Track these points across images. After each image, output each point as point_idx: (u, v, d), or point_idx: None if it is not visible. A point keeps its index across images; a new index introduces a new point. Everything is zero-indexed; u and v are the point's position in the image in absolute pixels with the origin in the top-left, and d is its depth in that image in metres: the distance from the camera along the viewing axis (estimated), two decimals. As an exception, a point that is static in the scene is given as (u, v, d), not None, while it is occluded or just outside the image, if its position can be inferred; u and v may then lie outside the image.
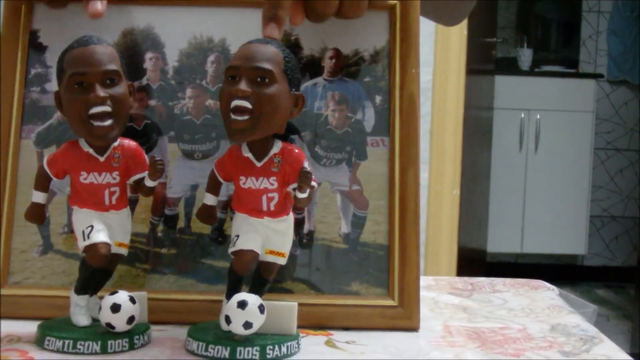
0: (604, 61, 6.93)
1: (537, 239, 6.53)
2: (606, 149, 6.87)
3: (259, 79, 1.01)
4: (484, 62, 5.33)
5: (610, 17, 6.89)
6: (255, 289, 1.05)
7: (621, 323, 5.64)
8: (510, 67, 6.71)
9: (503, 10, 6.83)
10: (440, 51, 3.58)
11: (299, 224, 1.16)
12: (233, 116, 1.01)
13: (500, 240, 6.47)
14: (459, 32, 3.55)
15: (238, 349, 0.99)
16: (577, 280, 6.81)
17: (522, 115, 6.43)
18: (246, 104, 1.00)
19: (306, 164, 1.03)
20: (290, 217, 1.06)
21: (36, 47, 1.21)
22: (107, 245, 1.04)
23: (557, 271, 6.75)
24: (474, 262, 5.11)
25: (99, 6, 1.09)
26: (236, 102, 1.00)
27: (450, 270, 3.50)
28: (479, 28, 4.58)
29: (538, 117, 6.42)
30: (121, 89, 1.05)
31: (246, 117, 1.00)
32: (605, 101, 6.87)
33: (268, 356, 1.00)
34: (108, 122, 1.03)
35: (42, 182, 1.08)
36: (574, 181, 6.48)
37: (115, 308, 1.01)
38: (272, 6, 1.07)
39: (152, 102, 1.20)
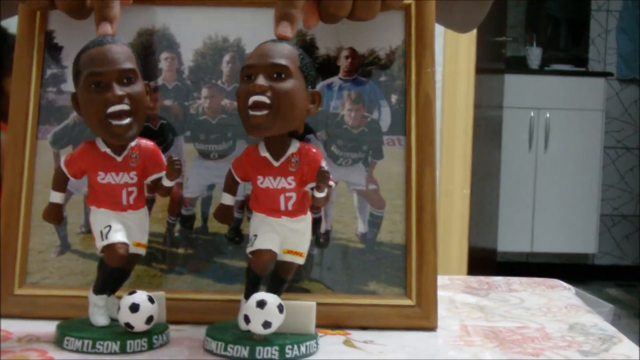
0: (613, 59, 6.92)
1: (547, 238, 6.52)
2: (616, 147, 6.86)
3: (275, 75, 1.01)
4: (494, 61, 5.33)
5: (620, 16, 6.88)
6: (274, 289, 1.05)
7: (632, 322, 5.63)
8: (519, 66, 6.70)
9: (512, 9, 6.82)
10: (450, 50, 3.57)
11: (315, 223, 1.16)
12: (251, 112, 1.01)
13: (510, 239, 6.46)
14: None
15: (257, 348, 0.99)
16: (588, 279, 6.81)
17: (532, 114, 6.42)
18: (264, 99, 1.00)
19: (324, 164, 1.03)
20: (308, 217, 1.06)
21: (52, 47, 1.21)
22: (125, 245, 1.04)
23: (568, 270, 6.74)
24: (485, 261, 5.11)
25: (109, 29, 1.08)
26: (254, 98, 1.00)
27: (461, 270, 3.49)
28: (489, 27, 4.58)
29: (548, 115, 6.41)
30: (138, 87, 1.05)
31: (265, 111, 1.00)
32: (615, 99, 6.86)
33: (287, 356, 1.00)
34: (126, 121, 1.03)
35: (60, 183, 1.08)
36: (584, 180, 6.47)
37: (134, 308, 1.01)
38: (285, 5, 1.07)
39: (168, 102, 1.20)
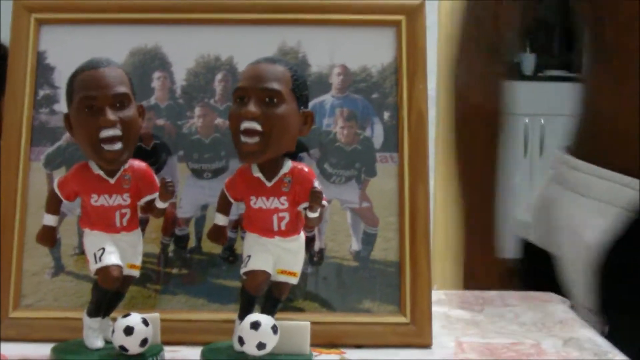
0: (608, 65, 6.91)
1: (543, 244, 6.51)
2: (611, 152, 6.85)
3: (267, 100, 1.02)
4: (488, 68, 5.32)
5: (613, 21, 6.88)
6: (267, 309, 1.05)
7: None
8: (513, 72, 6.70)
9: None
10: (444, 59, 3.57)
11: (309, 242, 1.15)
12: (243, 138, 1.01)
13: (506, 247, 6.45)
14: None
15: (252, 369, 0.99)
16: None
17: (527, 121, 6.42)
18: (256, 126, 1.00)
19: (316, 183, 1.03)
20: (302, 236, 1.06)
21: (44, 68, 1.21)
22: (119, 267, 1.04)
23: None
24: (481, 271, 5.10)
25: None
26: (246, 125, 1.01)
27: (457, 280, 3.49)
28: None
29: (542, 122, 6.41)
30: (131, 111, 1.05)
31: (256, 139, 1.01)
32: (609, 105, 6.85)
33: (282, 376, 1.00)
34: (118, 146, 1.03)
35: (53, 205, 1.08)
36: (579, 185, 6.45)
37: (129, 331, 1.01)
38: None
39: (161, 122, 1.20)
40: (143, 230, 1.14)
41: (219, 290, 1.17)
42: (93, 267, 1.04)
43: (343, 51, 1.21)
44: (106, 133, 1.02)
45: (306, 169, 1.05)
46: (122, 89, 1.04)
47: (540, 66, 6.82)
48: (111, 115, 1.02)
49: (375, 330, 1.14)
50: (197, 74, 1.21)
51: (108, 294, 1.05)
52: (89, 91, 1.03)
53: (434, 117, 3.45)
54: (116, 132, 1.03)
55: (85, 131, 1.03)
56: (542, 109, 6.51)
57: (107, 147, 1.03)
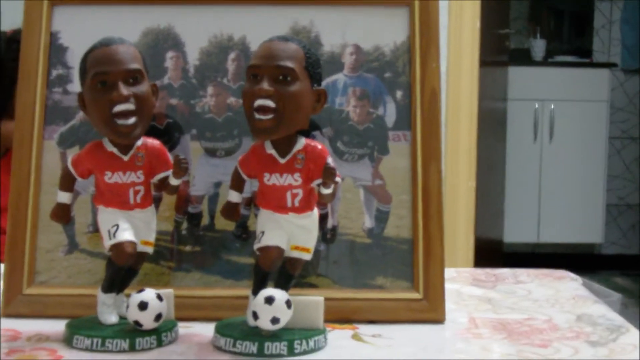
0: (618, 50, 6.90)
1: (553, 228, 6.51)
2: (621, 137, 6.84)
3: (281, 77, 1.02)
4: (498, 54, 5.32)
5: (624, 6, 6.86)
6: (281, 285, 1.05)
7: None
8: (523, 58, 6.68)
9: (515, 1, 6.81)
10: (454, 44, 3.57)
11: (322, 219, 1.16)
12: (257, 115, 1.01)
13: (516, 231, 6.45)
14: (472, 25, 3.55)
15: (266, 344, 1.00)
16: (594, 269, 6.79)
17: (536, 106, 6.41)
18: (269, 103, 1.01)
19: (330, 160, 1.04)
20: (315, 213, 1.07)
21: (57, 48, 1.22)
22: (133, 244, 1.04)
23: (574, 260, 6.72)
24: (491, 253, 5.11)
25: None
26: (259, 102, 1.01)
27: (468, 262, 3.49)
28: (492, 20, 4.58)
29: (552, 107, 6.40)
30: (144, 87, 1.05)
31: (270, 116, 1.01)
32: (620, 90, 6.84)
33: (296, 351, 1.00)
34: (132, 120, 1.04)
35: (67, 183, 1.09)
36: (590, 170, 6.45)
37: (143, 306, 1.01)
38: None
39: (174, 101, 1.20)
40: (157, 208, 1.14)
41: (232, 267, 1.17)
42: (107, 243, 1.05)
43: (355, 30, 1.21)
44: (120, 107, 1.02)
45: (319, 146, 1.05)
46: (135, 65, 1.04)
47: (550, 52, 6.81)
48: (124, 90, 1.03)
49: (389, 306, 1.15)
50: (210, 54, 1.21)
51: (122, 270, 1.06)
52: (102, 67, 1.03)
53: (444, 102, 3.46)
54: (129, 106, 1.03)
55: (98, 107, 1.03)
56: (552, 94, 6.51)
57: (120, 121, 1.03)
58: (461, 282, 1.35)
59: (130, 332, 1.03)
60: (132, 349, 1.02)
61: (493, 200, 5.26)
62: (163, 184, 1.09)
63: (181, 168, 1.06)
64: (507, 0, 6.02)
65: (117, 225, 1.05)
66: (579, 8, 7.04)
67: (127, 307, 1.02)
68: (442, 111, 3.52)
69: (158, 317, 1.02)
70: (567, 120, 6.46)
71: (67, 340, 1.04)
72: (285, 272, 1.06)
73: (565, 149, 6.51)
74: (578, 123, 6.47)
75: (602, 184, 6.58)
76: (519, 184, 6.46)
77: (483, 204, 4.21)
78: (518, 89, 6.40)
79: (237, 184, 1.08)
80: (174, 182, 1.08)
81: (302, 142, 1.05)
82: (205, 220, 1.19)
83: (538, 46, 6.80)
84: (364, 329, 1.11)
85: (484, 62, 3.85)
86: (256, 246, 1.04)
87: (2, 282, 1.18)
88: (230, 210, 1.09)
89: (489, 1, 3.73)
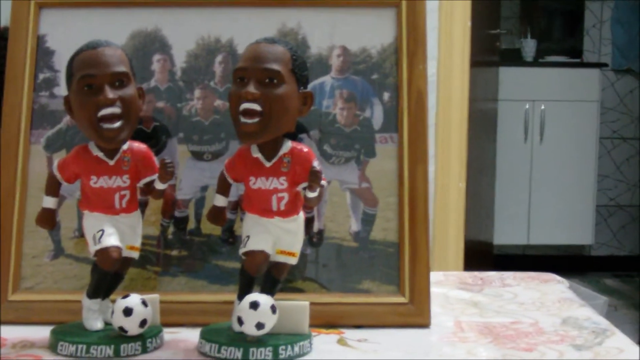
0: (608, 50, 6.91)
1: (543, 230, 6.51)
2: (612, 138, 6.85)
3: (267, 80, 1.02)
4: (488, 54, 5.32)
5: (614, 6, 6.87)
6: (267, 289, 1.05)
7: (630, 312, 5.63)
8: (514, 58, 6.69)
9: (506, 1, 6.81)
10: (444, 44, 3.57)
11: (308, 222, 1.16)
12: (243, 119, 1.01)
13: (507, 232, 6.45)
14: (463, 25, 3.55)
15: (251, 349, 0.99)
16: (585, 270, 6.80)
17: (527, 106, 6.42)
18: (255, 107, 1.00)
19: (316, 163, 1.03)
20: (301, 217, 1.06)
21: (44, 51, 1.21)
22: (119, 249, 1.04)
23: (565, 262, 6.73)
24: (481, 254, 5.11)
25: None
26: (245, 105, 1.01)
27: (457, 264, 3.49)
28: (483, 20, 4.58)
29: (543, 107, 6.41)
30: (130, 90, 1.05)
31: (256, 119, 1.01)
32: (610, 90, 6.85)
33: (281, 356, 1.00)
34: (117, 124, 1.03)
35: (53, 187, 1.08)
36: (580, 171, 6.46)
37: (128, 312, 1.01)
38: None
39: (161, 104, 1.20)
40: (143, 212, 1.14)
41: (218, 271, 1.17)
42: (92, 248, 1.04)
43: (343, 32, 1.21)
44: (105, 111, 1.02)
45: (305, 149, 1.05)
46: (122, 68, 1.04)
47: (541, 52, 6.82)
48: (110, 93, 1.02)
49: (375, 311, 1.14)
50: (197, 56, 1.21)
51: (107, 276, 1.05)
52: (88, 70, 1.03)
53: (434, 102, 3.46)
54: (115, 110, 1.03)
55: (84, 111, 1.03)
56: (543, 94, 6.52)
57: (106, 125, 1.03)
58: (448, 286, 1.35)
59: (115, 338, 1.03)
60: (117, 355, 1.01)
61: (483, 201, 5.26)
62: (149, 188, 1.08)
63: (167, 172, 1.06)
64: (498, 1, 6.02)
65: (103, 230, 1.04)
66: (569, 8, 7.05)
67: (112, 313, 1.02)
68: (433, 112, 3.52)
69: (143, 323, 1.02)
70: (557, 120, 6.47)
71: (52, 347, 1.04)
72: (271, 276, 1.06)
73: (555, 150, 6.51)
74: (569, 123, 6.47)
75: (593, 184, 6.59)
76: (510, 185, 6.47)
77: (473, 206, 4.21)
78: (509, 89, 6.40)
79: (223, 187, 1.08)
80: (159, 186, 1.07)
81: (288, 145, 1.05)
82: (191, 225, 1.19)
83: (529, 46, 6.81)
84: (350, 334, 1.11)
85: (475, 63, 3.84)
86: (242, 251, 1.04)
87: (-13, 287, 1.17)
88: (217, 214, 1.08)
89: (479, 1, 3.73)
